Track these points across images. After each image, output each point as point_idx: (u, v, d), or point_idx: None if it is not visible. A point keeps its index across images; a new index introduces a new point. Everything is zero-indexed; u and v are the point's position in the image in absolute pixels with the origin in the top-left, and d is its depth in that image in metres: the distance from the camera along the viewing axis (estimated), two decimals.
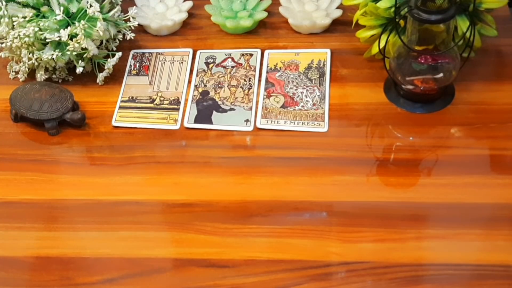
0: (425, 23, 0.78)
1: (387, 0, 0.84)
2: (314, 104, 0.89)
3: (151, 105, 0.92)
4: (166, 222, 0.79)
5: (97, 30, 0.89)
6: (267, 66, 0.95)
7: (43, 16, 0.91)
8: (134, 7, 0.97)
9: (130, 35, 0.96)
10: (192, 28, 1.03)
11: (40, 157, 0.87)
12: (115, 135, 0.89)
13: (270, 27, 1.01)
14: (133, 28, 0.96)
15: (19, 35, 0.88)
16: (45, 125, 0.89)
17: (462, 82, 0.89)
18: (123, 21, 0.96)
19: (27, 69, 0.94)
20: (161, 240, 0.78)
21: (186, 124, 0.89)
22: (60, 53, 0.90)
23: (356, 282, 0.71)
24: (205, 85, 0.94)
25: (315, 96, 0.90)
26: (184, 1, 1.05)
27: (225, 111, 0.90)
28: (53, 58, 0.90)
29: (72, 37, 0.89)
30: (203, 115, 0.90)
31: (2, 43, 0.92)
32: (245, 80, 0.93)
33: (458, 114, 0.86)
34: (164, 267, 0.75)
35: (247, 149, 0.86)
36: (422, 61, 0.84)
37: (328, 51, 0.96)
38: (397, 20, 0.81)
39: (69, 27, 0.89)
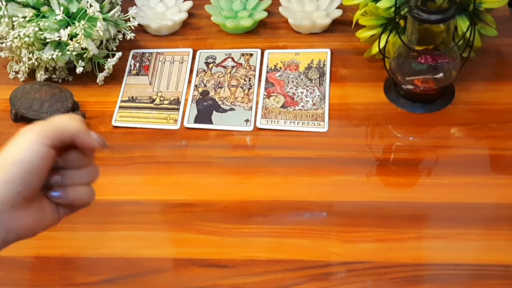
0: (425, 23, 0.78)
1: (387, 0, 0.84)
2: (314, 104, 0.89)
3: (151, 105, 0.92)
4: (166, 222, 0.79)
5: (97, 30, 0.89)
6: (267, 66, 0.95)
7: (43, 16, 0.91)
8: (134, 7, 0.98)
9: (130, 35, 0.96)
10: (192, 28, 1.03)
11: None
12: (115, 135, 0.89)
13: (270, 27, 1.01)
14: (133, 28, 0.96)
15: (19, 35, 0.88)
16: None
17: (462, 82, 0.89)
18: (123, 21, 0.96)
19: (27, 69, 0.94)
20: (161, 240, 0.78)
21: (186, 124, 0.89)
22: (60, 53, 0.90)
23: (356, 282, 0.71)
24: (205, 85, 0.94)
25: (315, 96, 0.90)
26: (184, 1, 1.05)
27: (225, 111, 0.90)
28: (53, 58, 0.90)
29: (72, 37, 0.89)
30: (203, 115, 0.90)
31: (2, 43, 0.92)
32: (245, 80, 0.93)
33: (458, 114, 0.86)
34: (164, 267, 0.75)
35: (247, 149, 0.86)
36: (422, 61, 0.84)
37: (328, 51, 0.96)
38: (397, 20, 0.81)
39: (69, 27, 0.89)
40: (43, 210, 0.53)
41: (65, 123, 0.52)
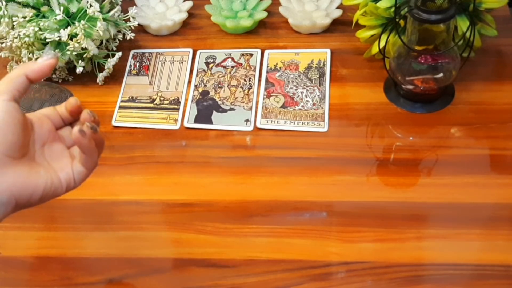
0: (425, 23, 0.78)
1: (387, 0, 0.84)
2: (314, 104, 0.89)
3: (151, 105, 0.92)
4: (166, 222, 0.79)
5: (97, 30, 0.89)
6: (267, 66, 0.95)
7: (43, 16, 0.91)
8: (134, 7, 0.98)
9: (130, 35, 0.96)
10: (192, 28, 1.03)
11: None
12: (115, 135, 0.89)
13: (270, 27, 1.01)
14: (133, 28, 0.96)
15: (19, 35, 0.88)
16: None
17: (462, 82, 0.89)
18: (123, 21, 0.96)
19: None
20: (161, 240, 0.78)
21: (186, 124, 0.89)
22: (60, 53, 0.90)
23: (356, 282, 0.71)
24: (205, 85, 0.94)
25: (315, 96, 0.90)
26: (184, 1, 1.05)
27: (225, 111, 0.90)
28: None
29: (72, 37, 0.89)
30: (203, 115, 0.90)
31: (2, 43, 0.92)
32: (245, 80, 0.93)
33: (458, 114, 0.86)
34: (164, 267, 0.75)
35: (247, 149, 0.86)
36: (422, 61, 0.84)
37: (328, 51, 0.96)
38: (397, 20, 0.81)
39: (69, 27, 0.89)
40: (35, 168, 0.55)
41: (12, 74, 0.54)
